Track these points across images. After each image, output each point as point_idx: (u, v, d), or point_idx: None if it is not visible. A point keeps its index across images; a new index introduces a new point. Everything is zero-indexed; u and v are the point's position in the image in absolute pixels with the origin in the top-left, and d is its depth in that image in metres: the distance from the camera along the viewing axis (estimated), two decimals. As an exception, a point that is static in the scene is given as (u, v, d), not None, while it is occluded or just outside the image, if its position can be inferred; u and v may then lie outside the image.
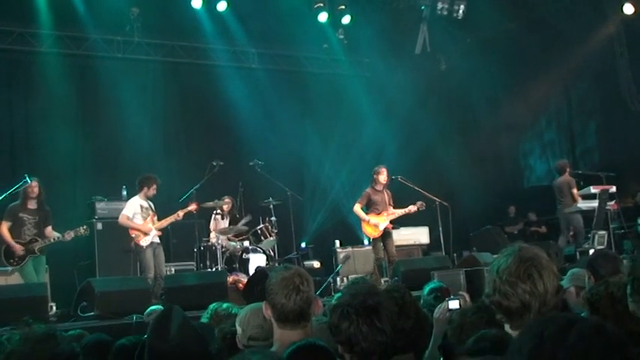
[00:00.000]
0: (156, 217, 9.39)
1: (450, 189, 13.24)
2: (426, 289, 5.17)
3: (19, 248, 8.60)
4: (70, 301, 8.20)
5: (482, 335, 2.38)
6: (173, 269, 10.84)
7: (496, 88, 14.34)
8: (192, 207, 9.66)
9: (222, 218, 10.88)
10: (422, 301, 4.61)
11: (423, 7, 13.65)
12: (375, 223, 9.99)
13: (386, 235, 10.07)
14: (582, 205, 10.96)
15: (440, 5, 13.37)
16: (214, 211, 10.79)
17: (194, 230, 10.75)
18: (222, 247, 10.20)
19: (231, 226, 10.70)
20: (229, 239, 10.57)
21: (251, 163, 11.37)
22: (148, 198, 9.38)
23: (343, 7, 13.43)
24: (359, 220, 10.32)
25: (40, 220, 8.85)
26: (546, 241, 11.38)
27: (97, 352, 3.46)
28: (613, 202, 11.00)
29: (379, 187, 10.13)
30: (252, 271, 9.48)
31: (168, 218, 9.47)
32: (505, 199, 14.53)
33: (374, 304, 2.50)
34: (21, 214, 8.75)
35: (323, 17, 13.32)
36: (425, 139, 14.50)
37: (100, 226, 10.79)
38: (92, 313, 7.61)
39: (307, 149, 14.31)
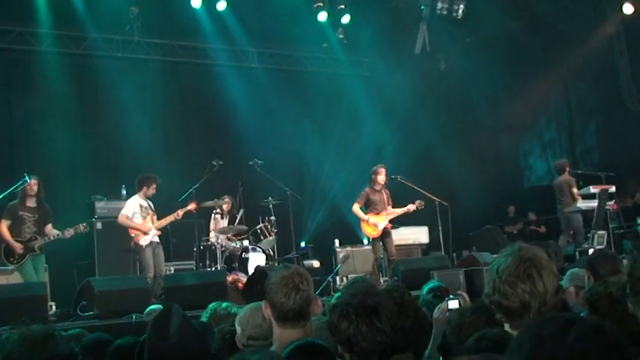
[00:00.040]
0: (155, 217, 9.40)
1: (449, 189, 13.24)
2: (425, 288, 5.18)
3: (18, 247, 8.59)
4: (70, 300, 8.21)
5: (483, 334, 2.38)
6: (173, 268, 10.84)
7: (496, 88, 14.35)
8: (192, 206, 9.66)
9: (222, 218, 10.88)
10: (420, 299, 4.61)
11: (422, 7, 13.63)
12: (374, 223, 9.99)
13: (385, 234, 10.07)
14: (582, 204, 10.96)
15: (439, 5, 13.36)
16: (214, 211, 10.80)
17: (194, 229, 10.75)
18: (221, 246, 10.21)
19: (230, 226, 10.70)
20: (229, 239, 10.57)
21: (250, 163, 11.37)
22: (147, 197, 9.39)
23: (343, 6, 13.43)
24: (358, 219, 10.32)
25: (39, 218, 8.84)
26: (546, 240, 11.39)
27: (97, 351, 3.46)
28: (612, 202, 11.01)
29: (378, 187, 10.13)
30: (251, 271, 9.48)
31: (167, 217, 9.47)
32: (505, 198, 14.53)
33: (373, 303, 2.50)
34: (21, 212, 8.74)
35: (322, 17, 13.31)
36: (424, 139, 14.49)
37: (99, 225, 10.78)
38: (92, 313, 7.63)
39: (307, 148, 14.31)
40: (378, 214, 10.06)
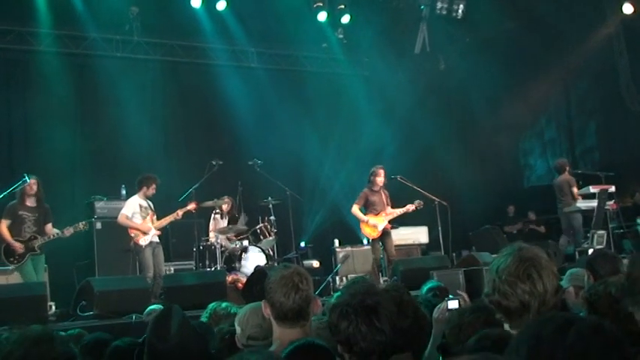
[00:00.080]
0: (155, 217, 9.40)
1: (449, 188, 13.24)
2: (424, 288, 5.19)
3: (19, 246, 8.58)
4: (70, 300, 8.21)
5: (485, 334, 2.38)
6: (172, 268, 10.84)
7: (496, 88, 14.34)
8: (192, 206, 9.66)
9: (222, 218, 10.88)
10: (420, 299, 4.62)
11: (422, 7, 13.63)
12: (373, 224, 9.99)
13: (385, 235, 10.07)
14: (582, 204, 10.96)
15: (439, 5, 13.36)
16: (214, 211, 10.80)
17: (193, 230, 10.75)
18: (221, 246, 10.21)
19: (230, 226, 10.70)
20: (228, 239, 10.57)
21: (250, 163, 11.37)
22: (147, 197, 9.39)
23: (343, 6, 13.42)
24: (358, 220, 10.32)
25: (39, 217, 8.84)
26: (545, 240, 11.39)
27: (97, 351, 3.46)
28: (612, 202, 11.01)
29: (376, 188, 10.14)
30: (251, 271, 9.48)
31: (167, 217, 9.47)
32: (505, 198, 14.53)
33: (373, 303, 2.50)
34: (20, 212, 8.74)
35: (322, 16, 13.30)
36: (424, 139, 14.49)
37: (99, 225, 10.78)
38: (91, 313, 7.62)
39: (306, 148, 14.30)
40: (377, 214, 10.07)
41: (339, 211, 13.08)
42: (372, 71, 15.15)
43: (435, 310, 3.32)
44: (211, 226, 10.86)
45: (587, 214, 10.99)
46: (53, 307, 8.93)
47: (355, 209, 10.16)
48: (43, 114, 11.84)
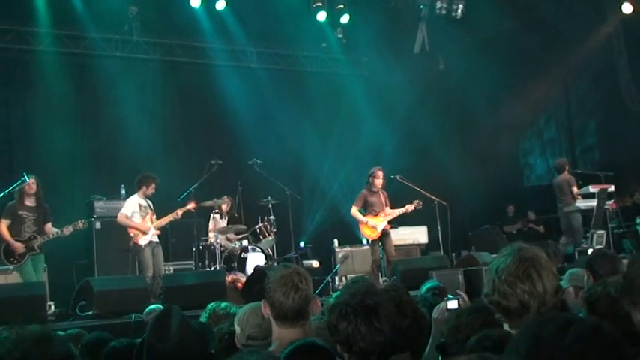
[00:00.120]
0: (154, 216, 9.39)
1: (448, 188, 13.23)
2: (424, 288, 5.19)
3: (19, 246, 8.58)
4: (69, 300, 8.21)
5: (485, 335, 2.38)
6: (172, 268, 10.83)
7: (495, 88, 14.34)
8: (191, 206, 9.67)
9: (221, 218, 10.88)
10: (419, 299, 4.62)
11: (421, 7, 13.63)
12: (373, 225, 10.00)
13: (384, 235, 10.08)
14: (581, 204, 10.96)
15: (439, 5, 13.35)
16: (213, 211, 10.80)
17: (193, 229, 10.75)
18: (220, 246, 10.21)
19: (229, 226, 10.70)
20: (228, 238, 10.57)
21: (250, 162, 11.37)
22: (146, 197, 9.39)
23: (342, 6, 13.42)
24: (357, 221, 10.32)
25: (39, 217, 8.84)
26: (545, 240, 11.39)
27: (97, 350, 3.46)
28: (611, 202, 11.01)
29: (375, 189, 10.14)
30: (250, 271, 9.48)
31: (166, 217, 9.47)
32: (504, 198, 14.53)
33: (372, 303, 2.50)
34: (20, 212, 8.73)
35: (322, 16, 13.30)
36: (424, 139, 14.50)
37: (98, 225, 10.79)
38: (91, 312, 7.62)
39: (306, 148, 14.30)
40: (376, 215, 10.07)
41: (339, 211, 13.09)
42: (371, 71, 15.15)
43: (435, 310, 3.32)
44: (211, 226, 10.86)
45: (586, 213, 10.99)
46: (52, 307, 8.93)
47: (354, 211, 10.16)
48: (43, 114, 11.84)
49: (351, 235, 12.58)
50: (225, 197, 10.90)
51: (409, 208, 10.21)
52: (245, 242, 10.46)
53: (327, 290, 9.78)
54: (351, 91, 14.73)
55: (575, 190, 11.11)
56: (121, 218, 9.25)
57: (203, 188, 10.58)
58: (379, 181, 10.10)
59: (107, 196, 11.13)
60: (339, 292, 2.68)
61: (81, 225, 8.96)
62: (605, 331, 1.38)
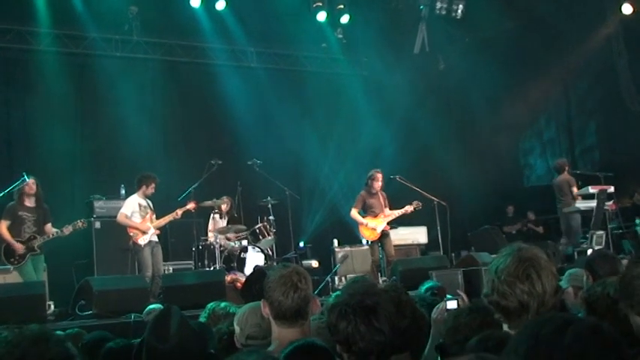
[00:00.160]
0: (154, 216, 9.39)
1: (448, 188, 13.23)
2: (423, 288, 5.19)
3: (19, 247, 8.57)
4: (68, 299, 8.21)
5: (486, 335, 2.38)
6: (171, 268, 10.83)
7: (495, 88, 14.33)
8: (191, 206, 9.67)
9: (221, 217, 10.88)
10: (418, 299, 4.62)
11: (421, 7, 13.63)
12: (372, 227, 10.02)
13: (383, 236, 10.10)
14: (581, 205, 10.96)
15: (439, 5, 13.35)
16: (213, 211, 10.80)
17: (192, 229, 10.75)
18: (220, 246, 10.21)
19: (229, 226, 10.70)
20: (227, 238, 10.57)
21: (249, 162, 11.38)
22: (146, 196, 9.39)
23: (342, 6, 13.42)
24: (357, 223, 10.32)
25: (39, 217, 8.83)
26: (544, 240, 11.39)
27: (97, 349, 3.46)
28: (611, 202, 11.01)
29: (374, 191, 10.15)
30: (250, 271, 9.48)
31: (166, 217, 9.47)
32: (504, 198, 14.53)
33: (372, 303, 2.49)
34: (20, 213, 8.73)
35: (322, 16, 13.30)
36: (423, 139, 14.49)
37: (98, 224, 10.78)
38: (90, 312, 7.62)
39: (306, 148, 14.30)
40: (375, 216, 10.08)
41: (338, 211, 13.09)
42: (371, 71, 15.15)
43: (434, 310, 3.32)
44: (210, 226, 10.86)
45: (586, 214, 10.99)
46: (52, 307, 8.93)
47: (354, 213, 10.18)
48: (43, 113, 11.84)
49: (350, 235, 12.57)
50: (225, 197, 10.91)
51: (408, 209, 10.22)
52: (244, 242, 10.46)
53: (326, 290, 9.77)
54: (351, 92, 14.73)
55: (575, 190, 11.10)
56: (120, 218, 9.25)
57: (203, 188, 10.58)
58: (378, 184, 10.12)
59: (107, 196, 11.13)
60: (338, 292, 2.68)
61: (80, 224, 8.96)
62: (605, 332, 1.38)
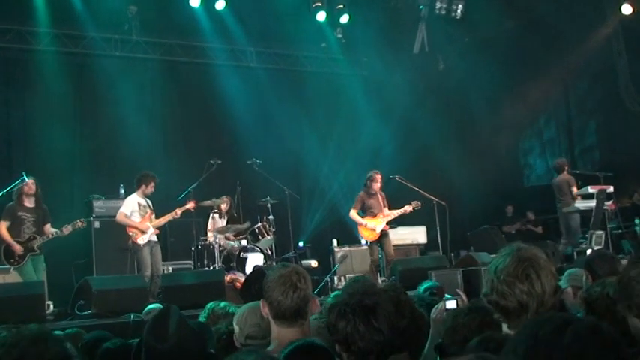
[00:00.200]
0: (153, 216, 9.39)
1: (448, 188, 13.23)
2: (421, 287, 5.19)
3: (19, 248, 8.57)
4: (68, 299, 8.21)
5: (487, 336, 2.38)
6: (170, 268, 10.81)
7: (495, 88, 14.34)
8: (190, 205, 9.67)
9: (220, 217, 10.87)
10: (416, 299, 4.62)
11: (421, 7, 13.62)
12: (372, 227, 10.03)
13: (383, 236, 10.11)
14: (580, 204, 10.96)
15: (438, 5, 13.35)
16: (212, 210, 10.80)
17: (191, 229, 10.75)
18: (219, 245, 10.20)
19: (228, 225, 10.70)
20: (227, 238, 10.57)
21: (249, 162, 11.37)
22: (145, 196, 9.39)
23: (341, 6, 13.41)
24: (356, 223, 10.32)
25: (38, 218, 8.83)
26: (544, 240, 11.39)
27: (97, 349, 3.46)
28: (610, 202, 11.00)
29: (373, 192, 10.15)
30: (249, 270, 9.47)
31: (165, 217, 9.47)
32: (503, 198, 14.52)
33: (371, 303, 2.49)
34: (20, 213, 8.73)
35: (321, 16, 13.30)
36: (423, 139, 14.49)
37: (97, 224, 10.78)
38: (89, 312, 7.62)
39: (305, 148, 14.30)
40: (375, 217, 10.09)
41: (338, 211, 13.09)
42: (370, 71, 15.15)
43: (433, 310, 3.32)
44: (210, 226, 10.86)
45: (585, 214, 10.99)
46: (51, 306, 8.91)
47: (353, 214, 10.19)
48: (42, 113, 11.84)
49: (350, 235, 12.58)
50: (225, 197, 10.91)
51: (408, 209, 10.22)
52: (244, 242, 10.46)
53: (325, 290, 9.79)
54: (351, 91, 14.73)
55: (574, 190, 11.10)
56: (119, 217, 9.25)
57: (202, 188, 10.58)
58: (377, 185, 10.13)
59: (106, 196, 11.13)
60: (337, 292, 2.68)
61: (80, 224, 8.97)
62: (604, 331, 1.38)
